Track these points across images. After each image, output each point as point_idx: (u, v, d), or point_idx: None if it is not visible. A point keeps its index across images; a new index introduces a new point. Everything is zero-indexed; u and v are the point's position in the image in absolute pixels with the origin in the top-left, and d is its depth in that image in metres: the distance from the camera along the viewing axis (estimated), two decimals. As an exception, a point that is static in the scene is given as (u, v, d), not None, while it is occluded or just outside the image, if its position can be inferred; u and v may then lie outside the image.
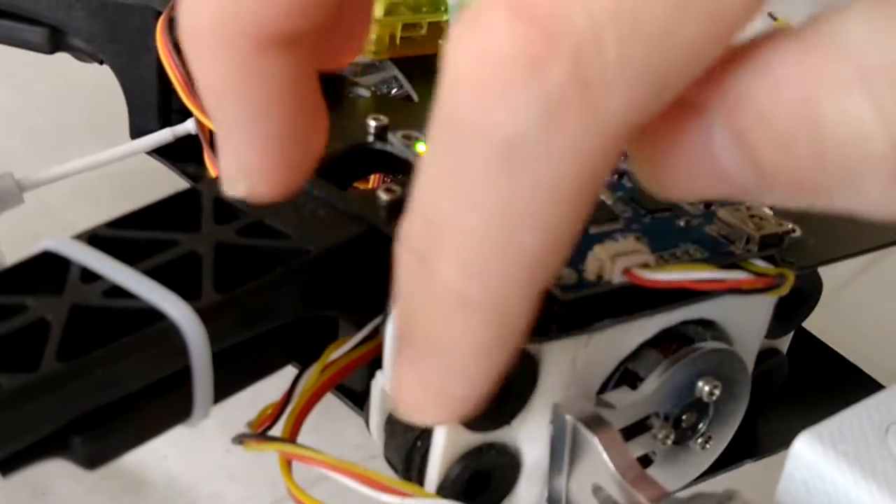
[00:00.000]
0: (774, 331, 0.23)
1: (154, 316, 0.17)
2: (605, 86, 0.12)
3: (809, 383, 0.26)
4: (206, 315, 0.17)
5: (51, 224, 0.38)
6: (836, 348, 0.27)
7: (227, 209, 0.21)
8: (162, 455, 0.31)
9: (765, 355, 0.23)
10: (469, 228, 0.13)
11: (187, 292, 0.18)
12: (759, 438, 0.24)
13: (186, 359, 0.17)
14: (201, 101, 0.25)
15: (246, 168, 0.17)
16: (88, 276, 0.18)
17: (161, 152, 0.30)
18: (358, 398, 0.23)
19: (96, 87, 0.36)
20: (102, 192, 0.39)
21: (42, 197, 0.30)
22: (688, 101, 0.13)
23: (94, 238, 0.19)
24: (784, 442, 0.25)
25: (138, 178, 0.35)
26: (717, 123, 0.13)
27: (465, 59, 0.13)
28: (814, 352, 0.26)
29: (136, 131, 0.31)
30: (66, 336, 0.17)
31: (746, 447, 0.23)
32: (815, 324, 0.25)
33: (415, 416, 0.16)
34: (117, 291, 0.18)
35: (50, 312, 0.17)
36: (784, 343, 0.24)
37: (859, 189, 0.13)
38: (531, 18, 0.12)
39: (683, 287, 0.18)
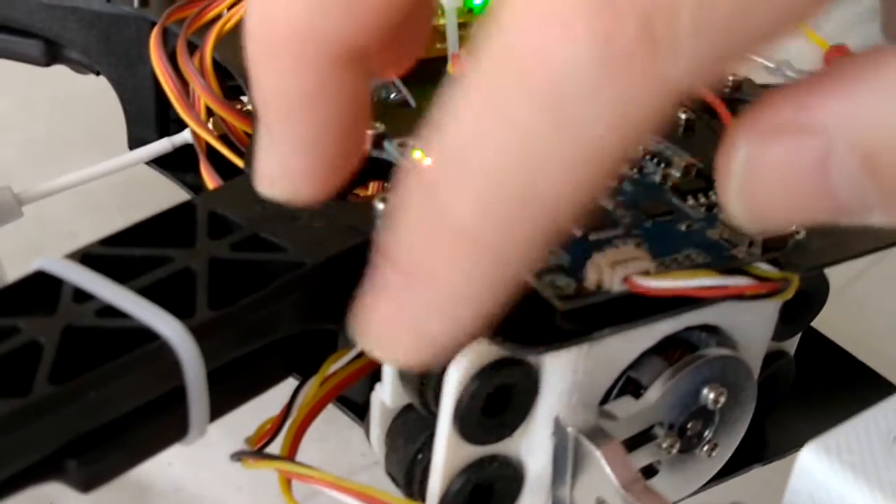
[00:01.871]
0: (781, 333, 0.22)
1: (147, 335, 0.17)
2: (671, 50, 0.12)
3: (819, 384, 0.25)
4: (199, 333, 0.17)
5: (51, 234, 0.38)
6: (846, 344, 0.26)
7: (222, 223, 0.20)
8: (167, 462, 0.31)
9: (772, 358, 0.23)
10: (494, 168, 0.13)
11: (181, 310, 0.18)
12: (768, 442, 0.24)
13: (180, 378, 0.17)
14: (196, 114, 0.25)
15: (293, 171, 0.16)
16: (81, 295, 0.18)
17: (159, 162, 0.30)
18: (360, 409, 0.23)
19: (96, 95, 0.36)
20: (103, 200, 0.39)
21: (42, 207, 0.30)
22: (795, 123, 0.13)
23: (86, 257, 0.19)
24: (793, 445, 0.24)
25: (138, 186, 0.35)
26: (838, 147, 0.13)
27: None
28: (823, 352, 0.26)
29: (134, 141, 0.31)
30: (59, 358, 0.17)
31: (755, 451, 0.23)
32: (824, 319, 0.24)
33: (380, 347, 0.15)
34: (110, 311, 0.18)
35: (42, 334, 0.17)
36: (791, 345, 0.24)
37: None
38: None
39: (684, 294, 0.18)
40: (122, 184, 0.34)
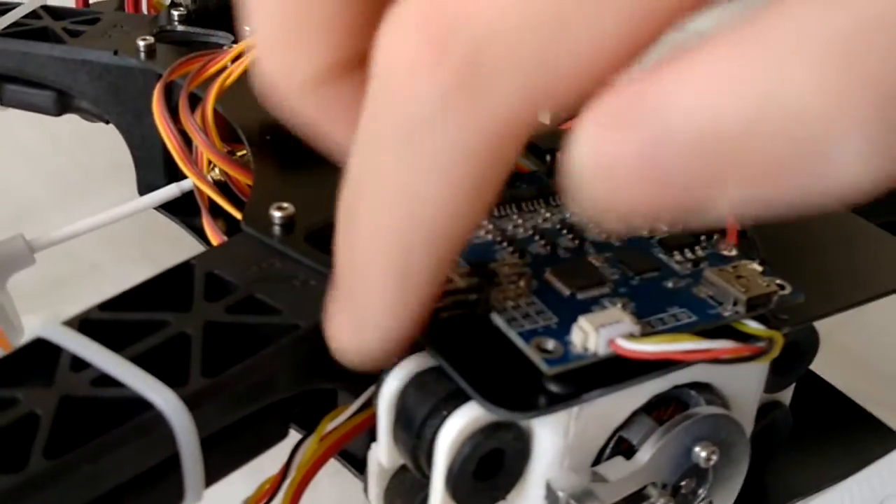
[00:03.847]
0: (773, 385, 0.22)
1: (141, 405, 0.17)
2: (487, 86, 0.14)
3: (820, 431, 0.25)
4: (192, 402, 0.18)
5: (73, 268, 0.38)
6: (854, 368, 0.26)
7: (219, 284, 0.21)
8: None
9: (766, 409, 0.23)
10: (379, 193, 0.15)
11: (175, 377, 0.18)
12: (768, 491, 0.24)
13: (174, 447, 0.18)
14: (198, 169, 0.26)
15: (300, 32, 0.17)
16: (78, 364, 0.18)
17: (168, 207, 0.31)
18: (360, 464, 0.23)
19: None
20: (122, 232, 0.40)
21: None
22: (629, 106, 0.13)
23: (85, 323, 0.19)
24: (793, 494, 0.24)
25: (157, 217, 0.35)
26: (670, 125, 0.13)
27: (384, 51, 0.15)
28: (824, 398, 0.26)
29: (144, 187, 0.32)
30: (55, 430, 0.17)
31: (754, 501, 0.23)
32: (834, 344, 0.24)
33: (337, 353, 0.18)
34: (106, 380, 0.18)
35: (39, 406, 0.17)
36: (786, 396, 0.24)
37: (830, 162, 0.12)
38: (435, 24, 0.14)
39: (668, 359, 0.18)
40: (141, 215, 0.34)
